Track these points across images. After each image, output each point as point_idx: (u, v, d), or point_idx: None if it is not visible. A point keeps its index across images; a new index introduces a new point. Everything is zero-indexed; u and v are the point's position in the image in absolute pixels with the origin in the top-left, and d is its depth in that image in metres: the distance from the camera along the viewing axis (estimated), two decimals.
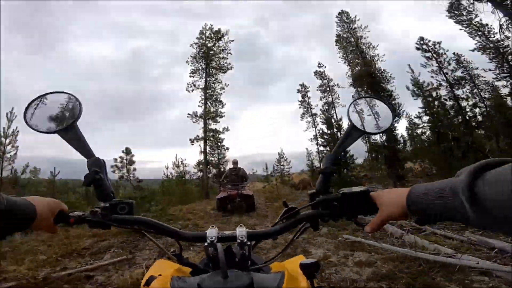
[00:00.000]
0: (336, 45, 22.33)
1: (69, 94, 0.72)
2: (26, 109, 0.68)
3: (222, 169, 19.02)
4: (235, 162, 8.67)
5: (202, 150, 19.48)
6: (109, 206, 0.64)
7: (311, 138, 23.28)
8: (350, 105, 0.70)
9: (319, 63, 24.72)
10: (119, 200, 0.66)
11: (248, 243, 0.61)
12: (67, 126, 0.67)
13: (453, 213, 0.44)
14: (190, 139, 19.54)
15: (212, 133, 20.09)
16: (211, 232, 0.61)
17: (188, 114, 20.17)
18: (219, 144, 20.57)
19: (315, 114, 23.89)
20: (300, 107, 24.44)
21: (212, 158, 20.44)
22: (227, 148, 20.90)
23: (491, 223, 0.38)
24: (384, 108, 0.70)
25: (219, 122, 20.36)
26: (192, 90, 20.41)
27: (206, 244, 0.60)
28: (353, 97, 17.03)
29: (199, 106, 20.29)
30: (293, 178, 21.59)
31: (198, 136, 19.80)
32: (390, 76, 18.41)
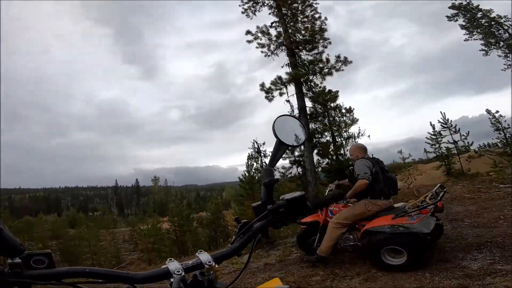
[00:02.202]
0: None
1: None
2: (275, 121, 0.78)
3: (343, 158, 8.66)
4: (365, 149, 3.89)
5: (295, 109, 8.57)
6: (21, 261, 0.50)
7: None
8: (274, 122, 0.78)
9: None
10: (31, 252, 0.53)
11: (216, 266, 0.59)
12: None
13: None
14: (263, 87, 8.80)
15: (311, 72, 8.57)
16: (174, 265, 0.56)
17: (249, 33, 9.19)
18: (328, 101, 8.73)
19: None
20: (468, 38, 16.15)
21: (320, 128, 8.79)
22: (349, 109, 9.14)
23: None
24: (299, 124, 0.83)
25: (322, 52, 8.86)
26: (255, 9, 9.43)
27: (172, 280, 0.54)
28: None
29: (274, 31, 8.97)
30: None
31: (280, 78, 8.69)
32: None
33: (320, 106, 9.32)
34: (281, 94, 9.11)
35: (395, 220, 3.11)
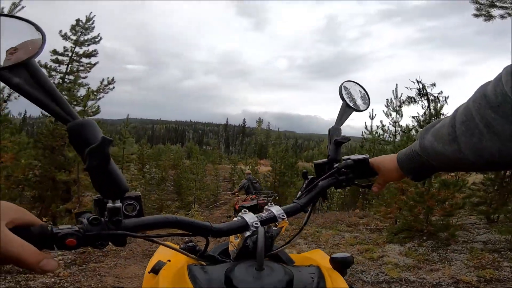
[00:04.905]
0: None
1: (22, 19, 0.42)
2: None
3: None
4: (249, 173, 9.29)
5: None
6: (121, 207, 0.41)
7: None
8: (341, 86, 0.79)
9: None
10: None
11: (286, 221, 0.58)
12: (16, 63, 0.37)
13: (425, 167, 0.59)
14: None
15: None
16: (251, 217, 0.53)
17: None
18: None
19: None
20: None
21: None
22: None
23: (443, 164, 0.54)
24: (364, 91, 0.83)
25: None
26: None
27: (249, 233, 0.52)
28: None
29: None
30: None
31: None
32: None
33: None
34: (502, 17, 5.63)
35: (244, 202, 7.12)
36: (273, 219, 0.56)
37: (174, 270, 0.50)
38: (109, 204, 0.40)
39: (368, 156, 0.70)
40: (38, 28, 0.42)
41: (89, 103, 8.43)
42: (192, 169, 18.85)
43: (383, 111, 10.05)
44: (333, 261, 0.60)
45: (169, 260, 0.62)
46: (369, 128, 11.77)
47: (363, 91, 0.83)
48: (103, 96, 9.85)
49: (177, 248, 0.55)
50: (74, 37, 10.18)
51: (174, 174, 21.68)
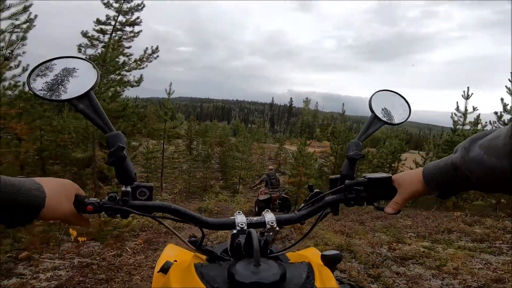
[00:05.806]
0: None
1: (83, 59, 0.61)
2: (31, 73, 0.57)
3: None
4: (271, 169, 10.60)
5: None
6: (131, 191, 0.58)
7: None
8: (372, 96, 0.73)
9: None
10: (139, 183, 0.59)
11: (277, 228, 0.60)
12: (81, 94, 0.56)
13: (460, 183, 0.53)
14: None
15: None
16: (241, 219, 0.60)
17: None
18: None
19: None
20: None
21: None
22: None
23: (489, 181, 0.47)
24: (403, 102, 0.75)
25: None
26: None
27: (235, 231, 0.58)
28: None
29: None
30: None
31: None
32: None
33: None
34: None
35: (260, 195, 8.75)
36: (262, 224, 0.60)
37: (182, 269, 0.54)
38: (123, 188, 0.58)
39: (391, 175, 0.65)
40: (94, 66, 0.60)
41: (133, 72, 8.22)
42: (238, 147, 18.12)
43: (506, 85, 7.55)
44: (324, 258, 0.66)
45: (175, 260, 0.69)
46: (462, 109, 9.32)
47: (400, 101, 0.76)
48: (146, 65, 9.52)
49: (179, 236, 0.64)
50: (116, 5, 9.62)
51: (220, 152, 21.31)
